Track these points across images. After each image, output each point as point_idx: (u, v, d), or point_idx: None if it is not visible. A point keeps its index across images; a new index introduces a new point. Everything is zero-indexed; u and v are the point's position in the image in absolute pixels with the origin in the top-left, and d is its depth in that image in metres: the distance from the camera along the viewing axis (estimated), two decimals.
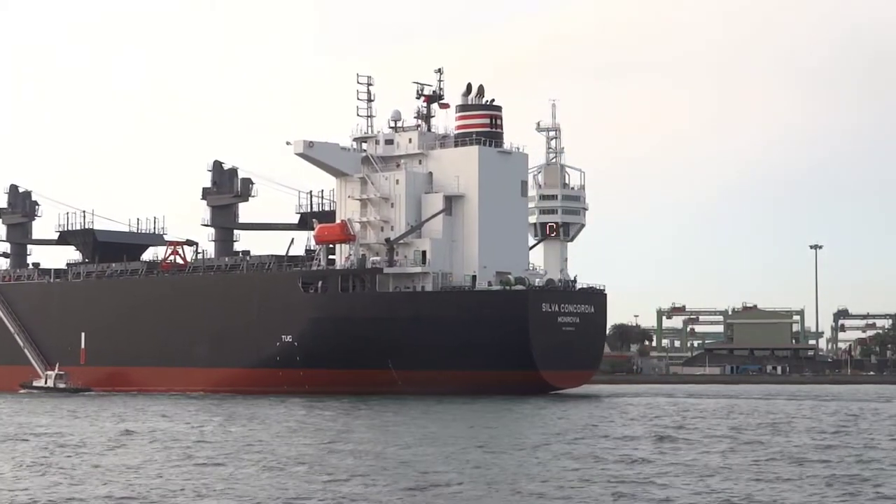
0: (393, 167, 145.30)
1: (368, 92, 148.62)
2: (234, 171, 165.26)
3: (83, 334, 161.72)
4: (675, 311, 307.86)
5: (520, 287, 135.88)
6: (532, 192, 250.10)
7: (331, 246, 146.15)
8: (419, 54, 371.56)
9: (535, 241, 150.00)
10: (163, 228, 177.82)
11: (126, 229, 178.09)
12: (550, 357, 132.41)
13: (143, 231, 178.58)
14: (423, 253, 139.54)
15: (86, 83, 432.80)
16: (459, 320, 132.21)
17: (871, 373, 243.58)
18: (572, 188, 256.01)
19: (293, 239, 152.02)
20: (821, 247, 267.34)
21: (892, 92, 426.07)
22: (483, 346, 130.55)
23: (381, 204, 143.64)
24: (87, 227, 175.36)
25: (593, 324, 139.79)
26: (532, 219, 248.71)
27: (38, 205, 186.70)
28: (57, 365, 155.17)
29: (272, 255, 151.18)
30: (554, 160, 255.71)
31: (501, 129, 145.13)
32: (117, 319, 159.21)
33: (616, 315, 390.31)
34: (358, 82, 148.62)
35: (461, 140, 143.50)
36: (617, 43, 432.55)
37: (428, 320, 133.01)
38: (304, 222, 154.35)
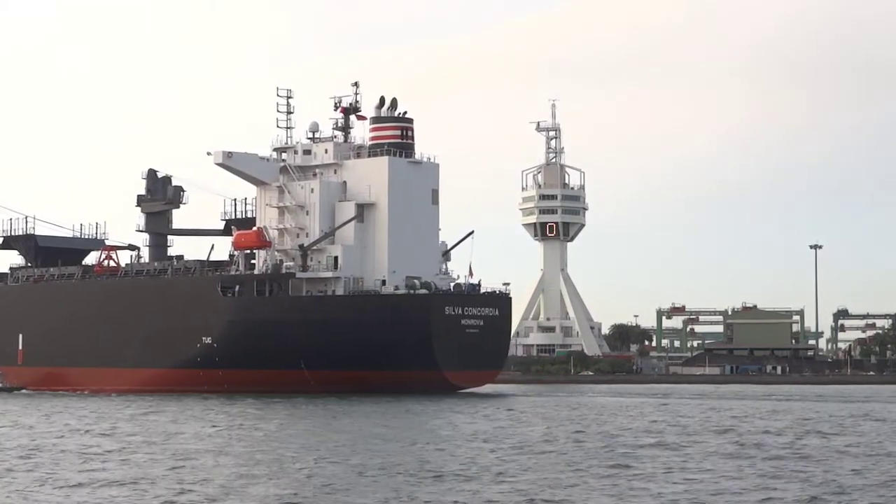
0: (310, 176, 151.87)
1: (288, 104, 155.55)
2: (167, 179, 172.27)
3: (20, 336, 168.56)
4: (675, 311, 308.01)
5: (424, 291, 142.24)
6: (532, 192, 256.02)
7: (251, 252, 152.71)
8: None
9: (451, 246, 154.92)
10: (104, 234, 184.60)
11: (69, 234, 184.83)
12: (453, 358, 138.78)
13: (86, 236, 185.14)
14: (336, 258, 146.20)
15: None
16: (366, 323, 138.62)
17: (871, 373, 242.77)
18: (572, 188, 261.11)
19: (213, 245, 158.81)
20: (821, 247, 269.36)
21: (894, 91, 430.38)
22: (389, 347, 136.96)
23: (297, 211, 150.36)
24: (28, 232, 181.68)
25: (497, 326, 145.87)
26: (531, 218, 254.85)
27: None
28: None
29: (197, 260, 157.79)
30: (554, 160, 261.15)
31: (412, 140, 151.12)
32: (53, 321, 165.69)
33: (616, 315, 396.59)
34: (278, 95, 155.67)
35: (374, 151, 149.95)
36: (617, 44, 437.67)
37: (337, 323, 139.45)
38: (229, 228, 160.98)
